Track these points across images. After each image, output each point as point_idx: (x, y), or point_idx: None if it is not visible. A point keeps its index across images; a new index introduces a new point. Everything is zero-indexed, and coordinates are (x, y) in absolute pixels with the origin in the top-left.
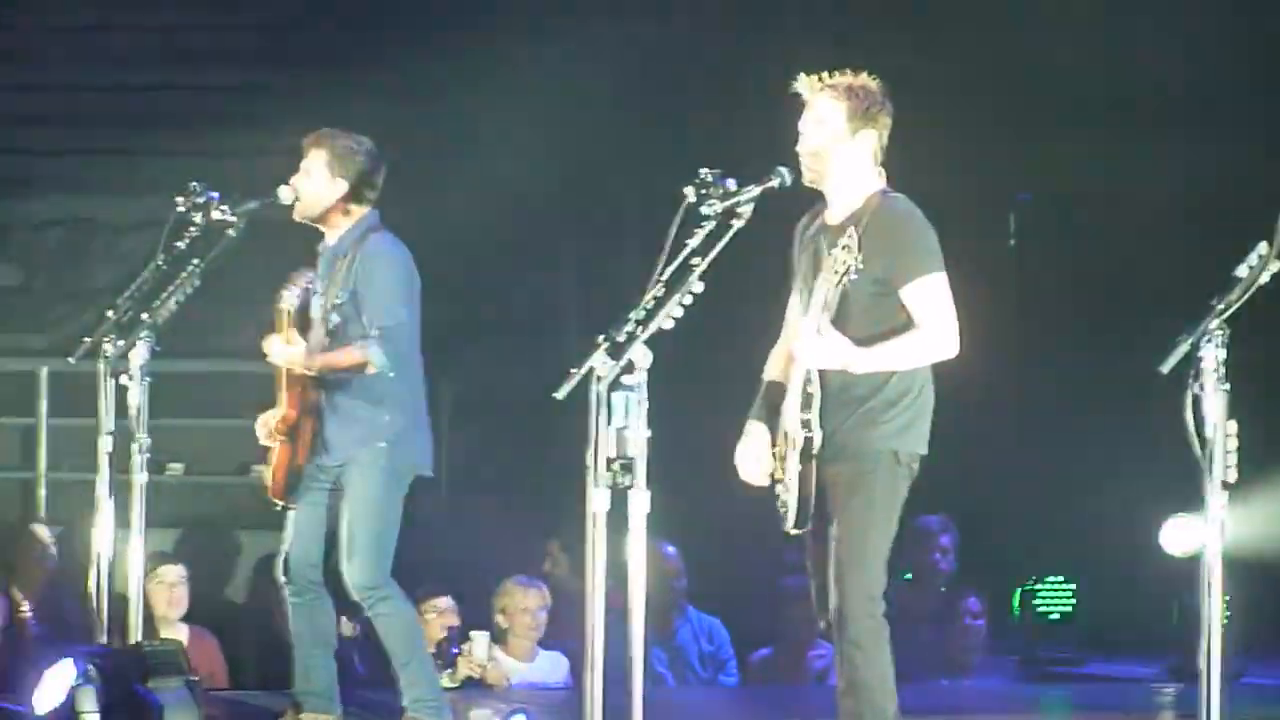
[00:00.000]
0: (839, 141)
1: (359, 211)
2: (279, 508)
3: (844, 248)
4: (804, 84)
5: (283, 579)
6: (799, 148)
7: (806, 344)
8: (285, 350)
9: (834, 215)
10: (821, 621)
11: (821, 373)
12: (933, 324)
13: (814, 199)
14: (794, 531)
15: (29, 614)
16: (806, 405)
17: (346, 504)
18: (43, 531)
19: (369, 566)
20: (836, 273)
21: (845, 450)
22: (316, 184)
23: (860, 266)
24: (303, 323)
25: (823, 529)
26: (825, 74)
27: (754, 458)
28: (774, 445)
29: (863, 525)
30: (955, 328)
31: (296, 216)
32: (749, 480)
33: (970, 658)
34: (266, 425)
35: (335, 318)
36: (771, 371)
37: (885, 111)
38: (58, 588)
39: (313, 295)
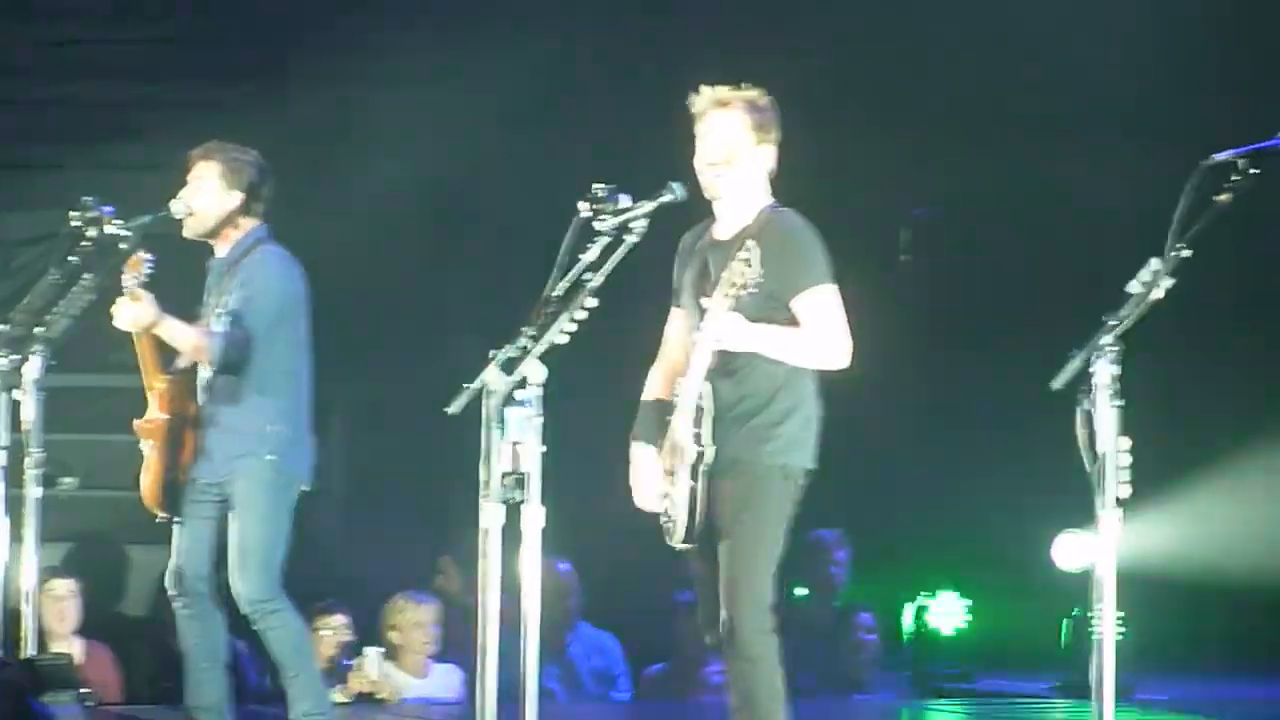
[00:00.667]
0: (742, 154)
1: (248, 224)
2: (159, 518)
3: (744, 261)
4: (705, 97)
5: (172, 591)
6: (699, 159)
7: (712, 322)
8: (131, 307)
9: (724, 230)
10: (708, 636)
11: (713, 388)
12: (822, 330)
13: (699, 215)
14: (681, 546)
15: None
16: (698, 420)
17: (234, 517)
18: None
19: (258, 579)
20: (734, 284)
21: (734, 466)
22: (210, 197)
23: (760, 279)
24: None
25: (710, 545)
26: (725, 88)
27: (647, 482)
28: (661, 460)
29: (752, 539)
30: (846, 338)
31: (188, 233)
32: (644, 506)
33: (864, 673)
34: (139, 430)
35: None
36: (653, 390)
37: (779, 128)
38: None
39: (202, 307)
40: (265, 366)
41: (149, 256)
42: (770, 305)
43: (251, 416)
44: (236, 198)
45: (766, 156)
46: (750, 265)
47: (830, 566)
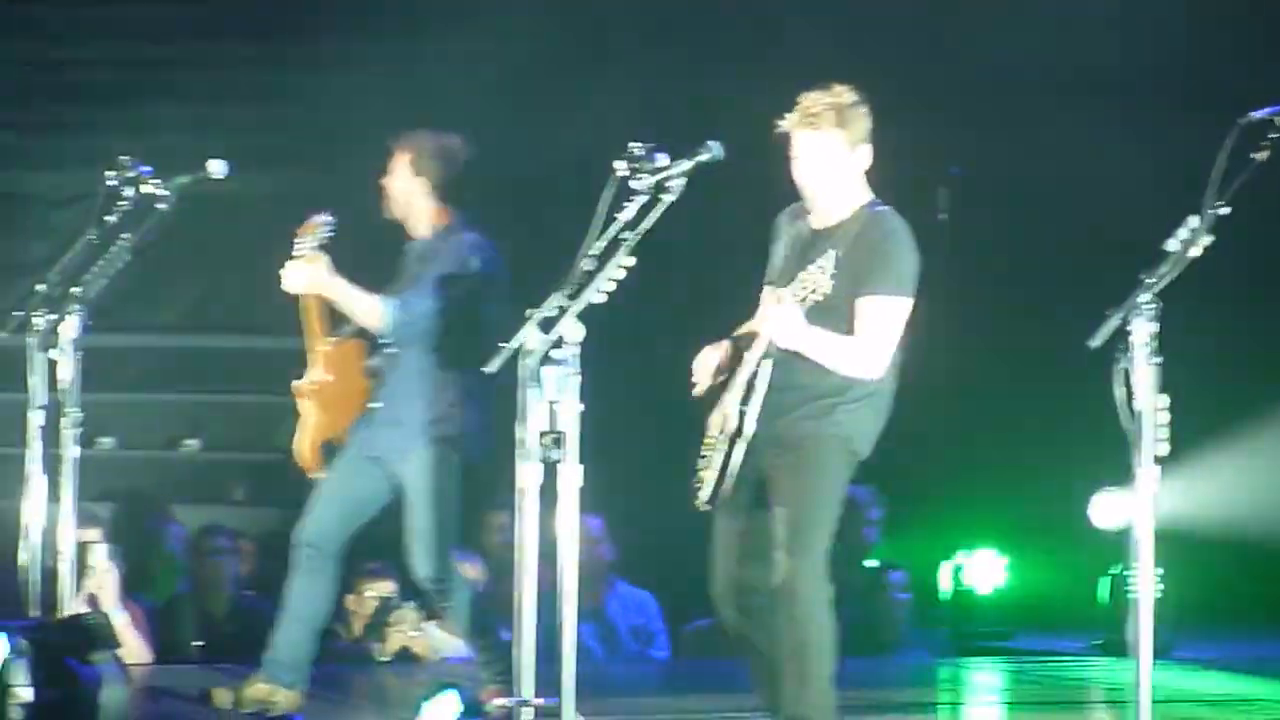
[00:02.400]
0: (838, 169)
1: (442, 211)
2: (313, 477)
3: (820, 269)
4: (794, 117)
5: (296, 540)
6: (801, 179)
7: (776, 317)
8: (305, 268)
9: (818, 219)
10: (715, 598)
11: (782, 368)
12: (867, 339)
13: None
14: (704, 506)
15: None
16: (746, 398)
17: (409, 497)
18: None
19: (435, 560)
20: (804, 287)
21: (794, 437)
22: (400, 183)
23: (824, 295)
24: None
25: (738, 510)
26: (814, 98)
27: (711, 359)
28: (710, 424)
29: (814, 496)
30: (885, 352)
31: (388, 214)
32: (695, 375)
33: (897, 632)
34: (299, 391)
35: None
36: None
37: (868, 119)
38: None
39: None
40: (450, 346)
41: (328, 219)
42: (836, 309)
43: (434, 396)
44: (422, 185)
45: (862, 156)
46: (823, 273)
47: (863, 526)
